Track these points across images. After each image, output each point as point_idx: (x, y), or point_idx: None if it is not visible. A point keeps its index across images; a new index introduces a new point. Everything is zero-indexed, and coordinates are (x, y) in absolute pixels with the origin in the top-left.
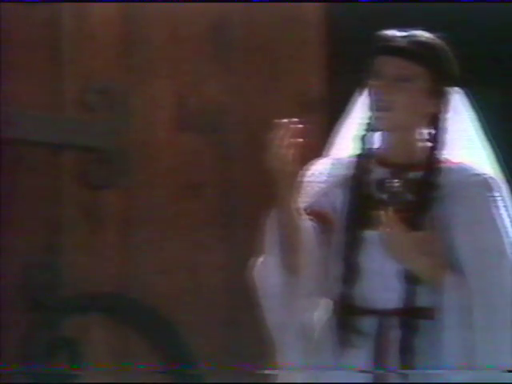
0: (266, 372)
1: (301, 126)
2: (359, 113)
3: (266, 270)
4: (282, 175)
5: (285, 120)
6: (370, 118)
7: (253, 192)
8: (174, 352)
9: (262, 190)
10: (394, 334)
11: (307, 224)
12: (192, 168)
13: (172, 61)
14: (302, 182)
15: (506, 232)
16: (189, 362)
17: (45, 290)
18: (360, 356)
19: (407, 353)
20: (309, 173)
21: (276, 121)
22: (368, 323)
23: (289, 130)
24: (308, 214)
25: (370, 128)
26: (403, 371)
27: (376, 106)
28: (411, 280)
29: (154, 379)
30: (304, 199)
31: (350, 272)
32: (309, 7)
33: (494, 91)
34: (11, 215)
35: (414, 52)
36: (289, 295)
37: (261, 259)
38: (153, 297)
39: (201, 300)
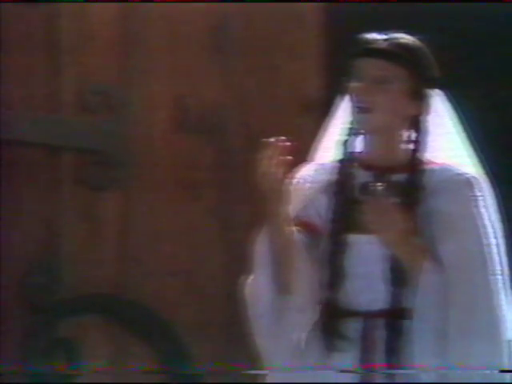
0: (259, 372)
1: (289, 144)
2: (342, 117)
3: (256, 288)
4: (272, 194)
5: (272, 139)
6: (352, 122)
7: (252, 193)
8: (171, 353)
9: (260, 191)
10: (380, 336)
11: (298, 240)
12: (191, 169)
13: (171, 62)
14: (290, 193)
15: (486, 232)
16: (186, 363)
17: (43, 291)
18: (346, 358)
19: (393, 353)
20: (293, 180)
21: (264, 140)
22: (353, 325)
23: (277, 148)
24: (296, 225)
25: (352, 132)
26: (390, 371)
27: (357, 108)
28: (396, 282)
29: (151, 380)
30: (290, 208)
31: (336, 276)
32: (308, 8)
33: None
34: (10, 217)
35: (393, 53)
36: (280, 313)
37: (251, 277)
38: (150, 298)
39: (198, 301)
